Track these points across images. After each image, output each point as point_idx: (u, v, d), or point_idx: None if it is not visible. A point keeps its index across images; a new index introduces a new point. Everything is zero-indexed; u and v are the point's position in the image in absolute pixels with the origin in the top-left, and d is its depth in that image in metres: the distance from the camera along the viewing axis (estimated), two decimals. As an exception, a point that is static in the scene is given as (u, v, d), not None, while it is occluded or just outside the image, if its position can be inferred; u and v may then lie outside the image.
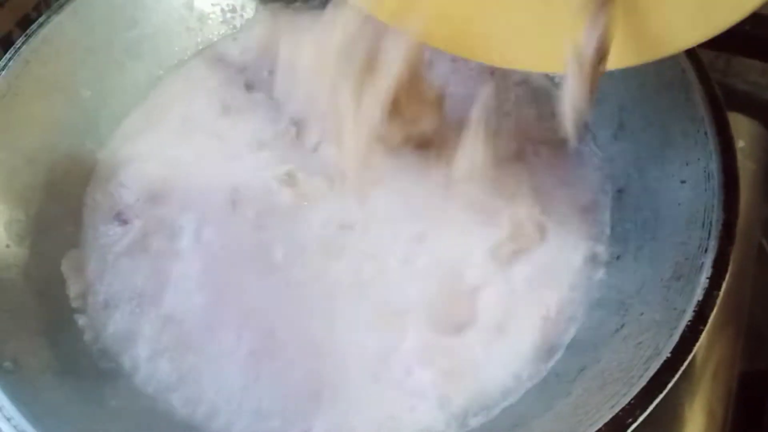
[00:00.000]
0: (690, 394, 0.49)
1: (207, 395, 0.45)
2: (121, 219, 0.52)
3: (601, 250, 0.49)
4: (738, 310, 0.53)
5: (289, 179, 0.53)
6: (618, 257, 0.48)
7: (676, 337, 0.38)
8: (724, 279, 0.39)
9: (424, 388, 0.44)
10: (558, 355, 0.45)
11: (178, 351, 0.46)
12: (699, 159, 0.44)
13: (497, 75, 0.57)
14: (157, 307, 0.48)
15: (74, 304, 0.48)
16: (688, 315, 0.38)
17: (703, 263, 0.40)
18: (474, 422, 0.43)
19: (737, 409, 0.50)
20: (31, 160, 0.50)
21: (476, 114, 0.50)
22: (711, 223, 0.41)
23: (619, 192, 0.51)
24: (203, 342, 0.47)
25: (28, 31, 0.51)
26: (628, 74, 0.51)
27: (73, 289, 0.49)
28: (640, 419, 0.36)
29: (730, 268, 0.48)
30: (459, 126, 0.51)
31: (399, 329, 0.46)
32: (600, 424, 0.36)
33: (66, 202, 0.52)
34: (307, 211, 0.51)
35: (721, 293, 0.39)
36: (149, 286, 0.49)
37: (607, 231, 0.50)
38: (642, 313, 0.42)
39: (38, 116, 0.51)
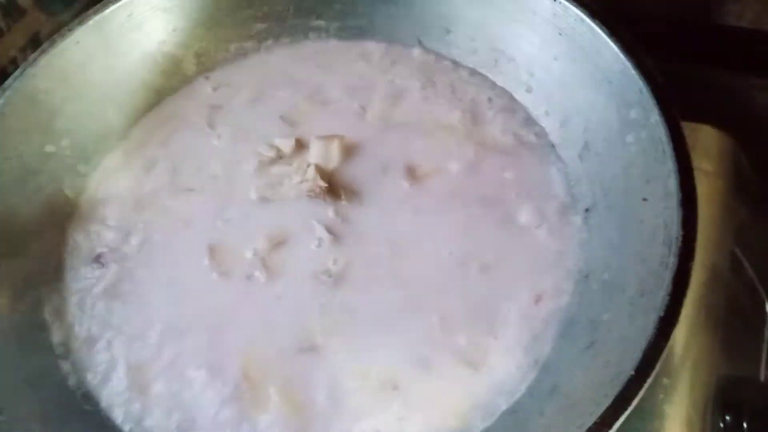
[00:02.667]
0: (667, 403, 0.50)
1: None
2: (99, 261, 0.53)
3: (572, 269, 0.50)
4: (712, 317, 0.54)
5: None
6: (587, 276, 0.49)
7: (638, 354, 0.39)
8: (684, 295, 0.40)
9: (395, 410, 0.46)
10: (533, 374, 0.46)
11: (158, 395, 0.47)
12: (658, 177, 0.45)
13: (467, 100, 0.59)
14: (133, 350, 0.49)
15: (58, 351, 0.49)
16: (650, 332, 0.39)
17: (663, 279, 0.41)
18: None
19: (715, 417, 0.51)
20: (11, 211, 0.51)
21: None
22: (671, 239, 0.42)
23: (587, 211, 0.52)
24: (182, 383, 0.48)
25: (4, 84, 0.52)
26: (591, 95, 0.53)
27: (56, 336, 0.50)
28: (607, 436, 0.37)
29: (702, 277, 0.50)
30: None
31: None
32: (569, 444, 0.37)
33: (47, 247, 0.53)
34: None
35: (684, 308, 0.40)
36: (125, 330, 0.50)
37: (576, 250, 0.51)
38: (609, 330, 0.43)
39: (15, 167, 0.52)
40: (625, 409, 0.37)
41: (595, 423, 0.37)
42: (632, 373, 0.38)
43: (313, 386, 0.47)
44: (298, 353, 0.48)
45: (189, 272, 0.52)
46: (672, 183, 0.44)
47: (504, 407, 0.45)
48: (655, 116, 0.47)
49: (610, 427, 0.37)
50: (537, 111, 0.57)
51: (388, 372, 0.47)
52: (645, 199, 0.46)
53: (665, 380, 0.50)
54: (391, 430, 0.46)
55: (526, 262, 0.51)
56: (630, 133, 0.49)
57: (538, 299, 0.49)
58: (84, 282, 0.52)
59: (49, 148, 0.55)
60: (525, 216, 0.52)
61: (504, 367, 0.47)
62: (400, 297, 0.50)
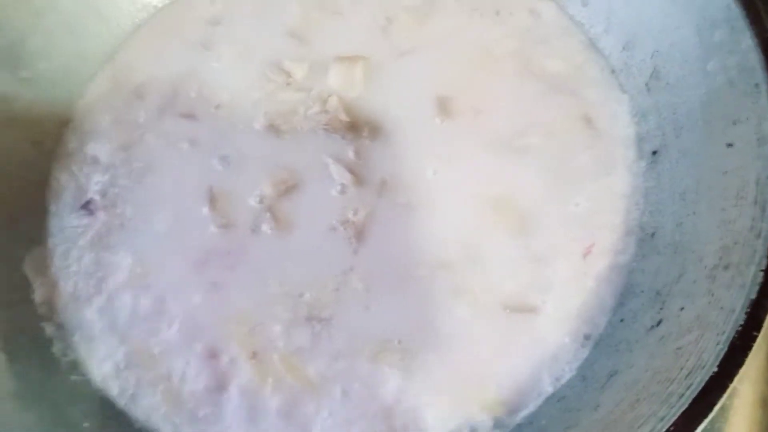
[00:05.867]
0: (738, 380, 0.43)
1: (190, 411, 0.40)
2: (88, 208, 0.46)
3: (633, 224, 0.42)
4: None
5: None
6: (652, 234, 0.41)
7: (723, 346, 0.32)
8: (784, 272, 0.33)
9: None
10: (585, 352, 0.40)
11: (157, 360, 0.42)
12: (749, 117, 0.37)
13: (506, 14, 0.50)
14: (125, 311, 0.43)
15: (40, 311, 0.43)
16: (738, 317, 0.32)
17: (755, 251, 0.34)
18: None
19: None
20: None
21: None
22: (765, 199, 0.34)
23: (654, 154, 0.43)
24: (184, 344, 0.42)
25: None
26: (664, 10, 0.43)
27: (38, 294, 0.44)
28: (681, 450, 0.30)
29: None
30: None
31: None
32: (633, 458, 0.30)
33: (27, 189, 0.47)
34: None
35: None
36: (120, 288, 0.44)
37: (641, 202, 0.43)
38: (682, 308, 0.36)
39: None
40: (705, 416, 0.30)
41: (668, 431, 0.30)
42: (715, 369, 0.31)
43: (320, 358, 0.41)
44: (305, 322, 0.41)
45: (185, 223, 0.45)
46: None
47: (550, 390, 0.39)
48: (746, 40, 0.38)
49: (685, 437, 0.30)
50: (594, 29, 0.48)
51: (402, 348, 0.41)
52: (730, 145, 0.38)
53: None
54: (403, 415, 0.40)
55: (576, 214, 0.43)
56: (713, 59, 0.40)
57: (587, 252, 0.42)
58: (69, 232, 0.46)
59: (24, 74, 0.47)
60: (578, 160, 0.44)
61: (552, 336, 0.41)
62: (428, 256, 0.43)
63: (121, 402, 0.41)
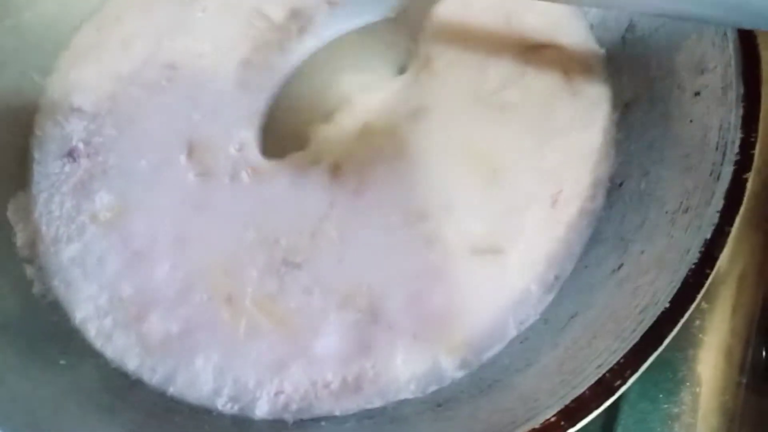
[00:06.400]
0: (703, 330, 0.44)
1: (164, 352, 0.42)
2: (72, 156, 0.47)
3: (603, 176, 0.43)
4: (762, 232, 0.47)
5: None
6: (621, 184, 0.42)
7: (676, 283, 0.32)
8: (737, 212, 0.33)
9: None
10: (550, 297, 0.41)
11: (133, 303, 0.43)
12: (716, 66, 0.37)
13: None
14: (106, 256, 0.44)
15: (22, 254, 0.44)
16: (693, 256, 0.33)
17: (714, 193, 0.34)
18: (454, 376, 0.39)
19: (757, 345, 0.45)
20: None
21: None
22: (726, 144, 0.35)
23: (626, 107, 0.44)
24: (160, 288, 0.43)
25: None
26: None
27: (20, 237, 0.45)
28: (631, 381, 0.31)
29: (754, 186, 0.43)
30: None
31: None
32: (584, 387, 0.31)
33: (11, 137, 0.47)
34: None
35: (734, 229, 0.33)
36: (100, 233, 0.45)
37: (611, 154, 0.43)
38: (642, 252, 0.37)
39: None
40: (655, 349, 0.31)
41: (618, 363, 0.31)
42: (666, 305, 0.32)
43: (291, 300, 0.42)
44: (279, 267, 0.42)
45: (165, 172, 0.46)
46: (732, 72, 0.36)
47: (514, 333, 0.40)
48: (717, -11, 0.38)
49: (635, 370, 0.31)
50: (574, -17, 0.48)
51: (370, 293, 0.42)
52: (697, 93, 0.38)
53: (703, 304, 0.44)
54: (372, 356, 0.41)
55: (549, 167, 0.44)
56: (684, 10, 0.40)
57: (554, 201, 0.43)
58: (53, 178, 0.47)
59: (9, 22, 0.48)
60: (555, 115, 0.45)
61: (518, 282, 0.41)
62: (402, 205, 0.44)
63: (98, 343, 0.42)
